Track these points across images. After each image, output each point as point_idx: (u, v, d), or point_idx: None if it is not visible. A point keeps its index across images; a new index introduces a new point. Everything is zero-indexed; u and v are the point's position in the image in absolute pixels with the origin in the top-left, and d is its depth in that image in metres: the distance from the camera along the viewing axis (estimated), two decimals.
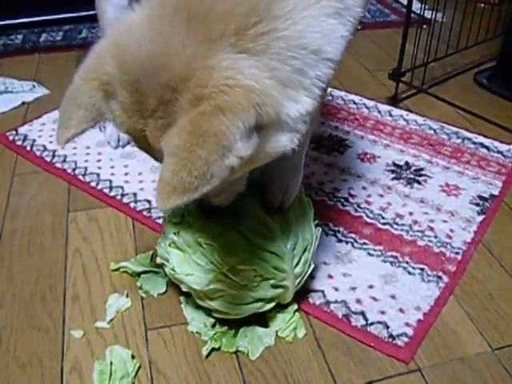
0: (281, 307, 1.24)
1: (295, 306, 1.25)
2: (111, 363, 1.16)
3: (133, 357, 1.18)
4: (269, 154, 0.90)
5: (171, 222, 1.22)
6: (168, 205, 0.78)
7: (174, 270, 1.19)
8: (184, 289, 1.21)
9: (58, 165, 1.79)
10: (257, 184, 1.21)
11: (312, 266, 1.25)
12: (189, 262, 1.17)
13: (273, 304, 1.20)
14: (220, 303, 1.17)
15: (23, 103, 2.16)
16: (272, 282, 1.16)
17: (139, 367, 1.16)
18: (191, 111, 0.80)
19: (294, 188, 1.23)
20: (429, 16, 2.14)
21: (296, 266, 1.18)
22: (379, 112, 2.06)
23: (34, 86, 2.25)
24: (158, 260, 1.28)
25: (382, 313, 1.27)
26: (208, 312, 1.23)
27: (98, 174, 1.74)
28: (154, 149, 0.89)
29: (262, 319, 1.22)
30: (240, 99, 0.79)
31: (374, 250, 1.43)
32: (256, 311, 1.19)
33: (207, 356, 1.18)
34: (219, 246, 1.14)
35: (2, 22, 2.81)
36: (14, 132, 1.97)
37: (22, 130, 1.98)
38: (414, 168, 1.75)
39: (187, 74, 0.81)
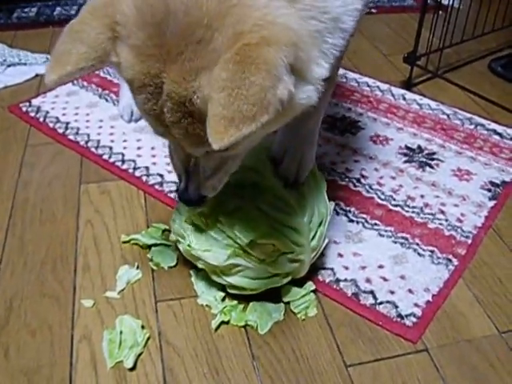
0: (297, 283, 1.25)
1: (312, 286, 1.26)
2: (121, 332, 1.17)
3: (142, 327, 1.19)
4: (296, 104, 0.88)
5: None
6: (226, 140, 0.75)
7: (190, 246, 1.19)
8: (200, 265, 1.21)
9: (71, 137, 1.79)
10: (272, 159, 1.22)
11: (326, 240, 1.26)
12: (206, 237, 1.17)
13: (289, 278, 1.20)
14: (237, 279, 1.18)
15: (37, 75, 2.16)
16: (290, 256, 1.16)
17: (149, 338, 1.17)
18: (234, 45, 0.78)
19: (309, 162, 1.23)
20: (445, 2, 2.12)
21: (312, 240, 1.19)
22: (393, 95, 2.05)
23: (47, 59, 2.24)
24: (173, 237, 1.28)
25: (392, 293, 1.27)
26: (219, 286, 1.23)
27: (111, 147, 1.75)
28: (164, 98, 0.85)
29: (273, 294, 1.23)
30: (281, 34, 0.79)
31: (385, 231, 1.43)
32: (272, 286, 1.20)
33: (216, 329, 1.19)
34: (237, 220, 1.14)
35: None
36: (28, 103, 1.97)
37: (36, 101, 1.99)
38: (426, 152, 1.75)
39: (223, 11, 0.79)
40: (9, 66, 2.21)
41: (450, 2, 2.08)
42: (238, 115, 0.75)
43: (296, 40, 0.81)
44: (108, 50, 0.86)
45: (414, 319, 1.22)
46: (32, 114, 1.91)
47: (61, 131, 1.82)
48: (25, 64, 2.22)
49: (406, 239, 1.41)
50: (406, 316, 1.22)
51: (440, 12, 2.07)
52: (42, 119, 1.89)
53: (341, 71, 2.13)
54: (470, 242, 1.42)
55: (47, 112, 1.92)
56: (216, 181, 1.05)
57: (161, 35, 0.82)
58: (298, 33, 0.83)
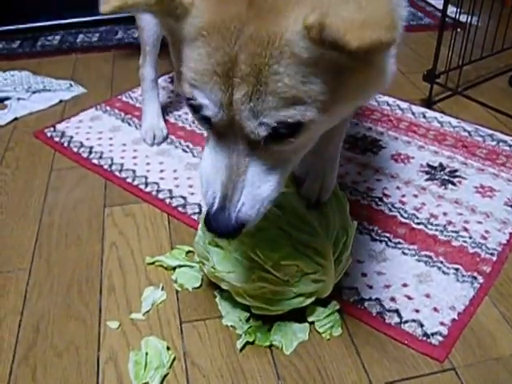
0: (322, 303, 1.24)
1: (337, 306, 1.25)
2: (146, 354, 1.18)
3: (168, 348, 1.19)
4: (388, 66, 0.84)
5: None
6: (367, 38, 0.66)
7: (214, 268, 1.19)
8: (224, 287, 1.22)
9: (95, 161, 1.82)
10: (294, 179, 1.22)
11: (350, 260, 1.26)
12: (230, 259, 1.17)
13: (313, 299, 1.20)
14: (261, 300, 1.18)
15: (61, 101, 2.21)
16: (313, 276, 1.16)
17: (174, 358, 1.18)
18: None
19: (331, 183, 1.23)
20: (463, 19, 2.13)
21: (335, 260, 1.19)
22: (413, 114, 2.05)
23: (71, 85, 2.29)
24: (197, 259, 1.29)
25: (417, 311, 1.26)
26: (244, 306, 1.23)
27: (134, 171, 1.77)
28: (243, 42, 0.75)
29: (297, 314, 1.22)
30: None
31: (409, 249, 1.43)
32: (296, 306, 1.19)
33: (241, 349, 1.19)
34: (261, 242, 1.14)
35: (41, 24, 2.89)
36: (52, 129, 2.01)
37: (60, 126, 2.02)
38: (448, 169, 1.74)
39: None
40: (34, 92, 2.26)
41: (468, 20, 2.08)
42: (373, 20, 0.68)
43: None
44: None
45: (440, 338, 1.21)
46: (56, 139, 1.95)
47: (85, 155, 1.85)
48: (49, 90, 2.27)
49: (430, 257, 1.41)
50: (432, 335, 1.21)
51: (458, 29, 2.07)
52: (66, 144, 1.92)
53: None
54: (494, 259, 1.41)
55: (71, 137, 1.96)
56: (265, 193, 0.89)
57: None
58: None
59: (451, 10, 2.07)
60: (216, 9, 0.76)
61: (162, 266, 1.40)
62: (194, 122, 1.99)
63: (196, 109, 0.84)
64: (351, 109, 0.95)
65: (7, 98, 2.22)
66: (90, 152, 1.87)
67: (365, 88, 0.85)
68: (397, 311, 1.26)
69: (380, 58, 0.80)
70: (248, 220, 0.89)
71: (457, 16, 2.04)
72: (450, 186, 1.67)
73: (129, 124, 2.04)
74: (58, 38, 2.85)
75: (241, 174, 0.86)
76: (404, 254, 1.42)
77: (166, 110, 2.07)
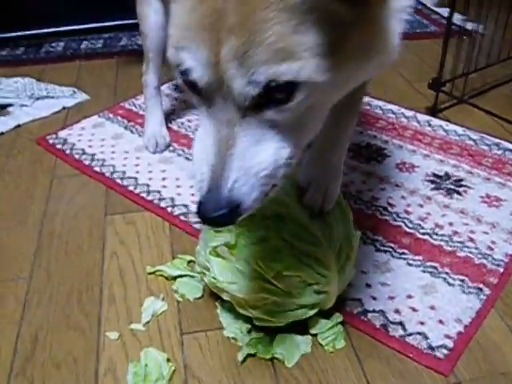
0: (325, 314, 1.23)
1: (340, 318, 1.23)
2: (146, 365, 1.16)
3: (168, 360, 1.17)
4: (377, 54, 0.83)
5: (211, 230, 1.21)
6: None
7: (215, 279, 1.18)
8: (225, 297, 1.20)
9: (97, 168, 1.81)
10: (297, 189, 1.20)
11: (354, 270, 1.24)
12: (231, 269, 1.16)
13: (315, 310, 1.18)
14: (263, 311, 1.16)
15: (63, 108, 2.20)
16: (316, 287, 1.14)
17: (174, 371, 1.16)
18: None
19: (334, 192, 1.20)
20: (469, 27, 2.11)
21: (339, 271, 1.17)
22: (418, 122, 2.03)
23: (74, 92, 2.29)
24: (198, 269, 1.28)
25: (421, 323, 1.24)
26: (245, 318, 1.21)
27: (136, 179, 1.75)
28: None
29: (300, 326, 1.20)
30: None
31: (413, 260, 1.40)
32: (299, 318, 1.17)
33: (242, 362, 1.17)
34: (262, 252, 1.12)
35: (45, 30, 2.89)
36: (54, 136, 2.00)
37: (62, 133, 2.01)
38: (453, 178, 1.72)
39: None
40: (37, 99, 2.25)
41: (474, 27, 2.06)
42: None
43: None
44: None
45: (446, 351, 1.18)
46: (59, 146, 1.94)
47: (87, 163, 1.84)
48: (52, 97, 2.26)
49: (435, 268, 1.38)
50: (437, 348, 1.19)
51: (464, 37, 2.06)
52: (68, 151, 1.91)
53: (365, 98, 2.12)
54: (501, 270, 1.38)
55: (73, 144, 1.95)
56: (260, 165, 0.78)
57: None
58: None
59: (457, 18, 2.05)
60: None
61: (162, 275, 1.38)
62: (196, 129, 1.97)
63: (184, 76, 0.78)
64: (356, 75, 0.86)
65: (10, 105, 2.21)
66: (92, 159, 1.86)
67: (366, 47, 0.80)
68: (401, 323, 1.24)
69: (379, 13, 0.79)
70: (243, 199, 0.78)
71: (463, 24, 2.03)
72: (455, 195, 1.65)
73: (131, 131, 2.02)
74: (61, 44, 2.85)
75: (229, 147, 0.77)
76: (409, 264, 1.40)
77: (168, 117, 2.05)
